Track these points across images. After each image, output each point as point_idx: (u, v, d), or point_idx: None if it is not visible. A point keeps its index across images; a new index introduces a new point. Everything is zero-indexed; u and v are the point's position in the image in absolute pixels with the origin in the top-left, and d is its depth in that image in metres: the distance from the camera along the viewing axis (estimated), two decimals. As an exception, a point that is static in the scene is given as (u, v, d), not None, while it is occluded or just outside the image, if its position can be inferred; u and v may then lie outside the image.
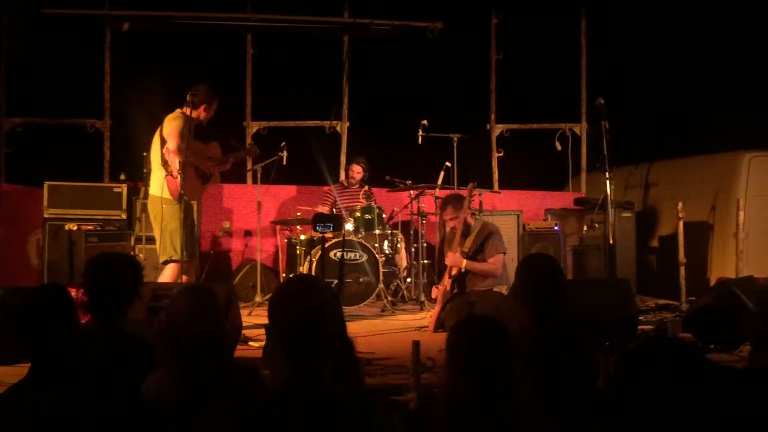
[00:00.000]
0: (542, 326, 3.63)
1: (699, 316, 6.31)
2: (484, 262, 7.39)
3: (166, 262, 7.09)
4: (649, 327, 6.71)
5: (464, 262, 7.36)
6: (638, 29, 9.99)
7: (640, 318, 6.76)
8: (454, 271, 7.41)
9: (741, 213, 8.40)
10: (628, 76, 10.10)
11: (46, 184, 8.75)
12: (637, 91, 9.96)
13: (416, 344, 4.52)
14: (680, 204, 8.30)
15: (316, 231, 8.38)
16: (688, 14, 9.41)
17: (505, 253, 7.50)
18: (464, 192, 7.68)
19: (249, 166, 9.92)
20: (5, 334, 5.56)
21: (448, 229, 7.55)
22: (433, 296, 7.62)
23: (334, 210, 9.51)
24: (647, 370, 2.34)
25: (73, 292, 7.44)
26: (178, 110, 7.07)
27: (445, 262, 7.57)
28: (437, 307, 7.35)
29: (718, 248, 9.24)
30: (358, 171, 9.62)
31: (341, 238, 8.33)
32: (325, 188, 9.89)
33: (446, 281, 7.43)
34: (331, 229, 7.89)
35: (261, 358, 4.75)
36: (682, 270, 8.15)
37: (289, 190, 10.16)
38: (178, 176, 6.76)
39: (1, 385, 4.82)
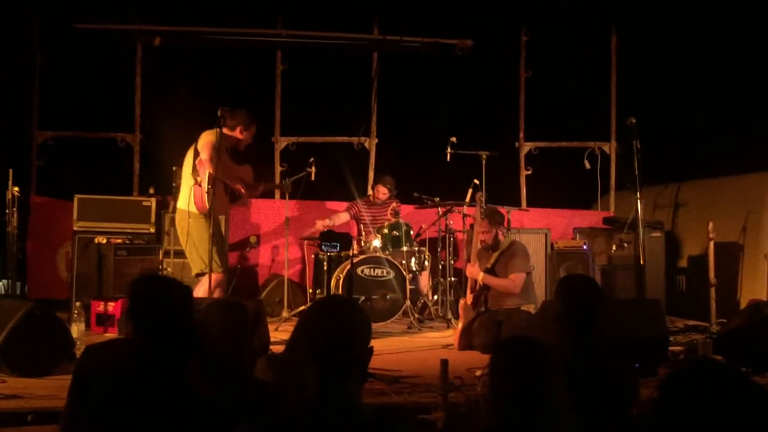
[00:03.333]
0: (580, 348, 3.60)
1: (730, 338, 6.24)
2: (503, 278, 7.34)
3: (198, 275, 7.13)
4: (679, 348, 6.63)
5: (481, 275, 7.33)
6: (668, 48, 9.93)
7: (670, 339, 6.69)
8: (476, 287, 7.39)
9: (773, 234, 8.31)
10: (657, 94, 10.04)
11: (76, 197, 8.82)
12: (667, 110, 9.89)
13: (444, 363, 4.50)
14: (711, 224, 8.22)
15: (322, 250, 8.43)
16: (719, 34, 9.35)
17: (529, 273, 7.44)
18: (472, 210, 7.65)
19: (277, 181, 9.95)
20: (37, 345, 5.63)
21: (477, 242, 7.51)
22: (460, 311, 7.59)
23: (357, 221, 9.51)
24: (696, 394, 2.28)
25: (100, 306, 7.53)
26: (215, 128, 7.13)
27: (465, 273, 7.57)
28: (460, 324, 7.32)
29: (748, 270, 9.14)
30: (383, 192, 9.59)
31: (369, 255, 8.35)
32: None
33: (468, 296, 7.41)
34: (338, 249, 7.90)
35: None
36: (713, 291, 8.06)
37: (317, 206, 10.15)
38: (205, 187, 6.83)
39: (32, 398, 4.87)
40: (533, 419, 2.55)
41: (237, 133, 7.30)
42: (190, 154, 7.22)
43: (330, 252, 7.70)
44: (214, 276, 6.87)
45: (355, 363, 2.44)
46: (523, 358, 2.66)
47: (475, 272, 7.39)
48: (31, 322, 5.65)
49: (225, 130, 7.12)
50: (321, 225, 9.18)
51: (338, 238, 7.71)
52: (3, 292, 9.12)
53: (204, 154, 6.99)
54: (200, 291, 7.00)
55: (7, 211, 8.27)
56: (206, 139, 7.07)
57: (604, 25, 10.85)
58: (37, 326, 5.69)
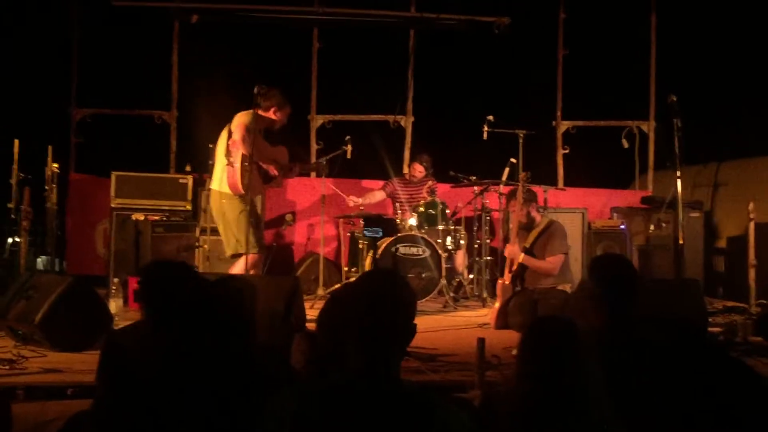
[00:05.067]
0: (616, 327, 3.57)
1: (771, 319, 6.17)
2: (542, 260, 7.31)
3: (233, 256, 7.15)
4: (718, 329, 6.56)
5: (521, 255, 7.30)
6: (709, 26, 9.79)
7: (709, 320, 6.63)
8: (514, 266, 7.36)
9: (814, 214, 8.19)
10: (697, 73, 9.91)
11: (114, 174, 8.89)
12: (707, 88, 9.75)
13: (481, 341, 4.48)
14: (751, 204, 8.10)
15: (365, 235, 8.43)
16: (760, 10, 9.19)
17: (566, 254, 7.40)
18: (508, 188, 7.60)
19: (313, 159, 9.96)
20: (76, 321, 5.68)
21: (512, 222, 7.48)
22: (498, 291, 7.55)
23: (393, 200, 9.50)
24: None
25: (137, 283, 7.60)
26: (250, 110, 7.12)
27: (504, 253, 7.54)
28: (498, 303, 7.29)
29: (789, 250, 9.02)
30: (420, 170, 9.56)
31: (404, 233, 8.35)
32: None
33: (506, 276, 7.38)
34: (381, 234, 7.85)
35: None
36: (752, 272, 7.96)
37: (353, 184, 10.14)
38: (238, 167, 6.84)
39: (71, 372, 4.92)
40: (563, 399, 2.54)
41: (271, 114, 7.25)
42: (224, 134, 7.20)
43: (374, 236, 7.65)
44: (249, 257, 6.90)
45: (399, 339, 2.44)
46: (554, 337, 2.65)
47: (515, 252, 7.35)
48: (70, 297, 5.71)
49: (259, 111, 7.10)
50: (353, 202, 9.18)
51: (381, 223, 7.67)
52: (42, 268, 9.23)
53: (237, 135, 6.94)
54: (236, 270, 7.03)
55: (46, 187, 8.36)
56: (239, 120, 7.02)
57: (643, 2, 10.71)
58: (76, 302, 5.75)
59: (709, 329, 6.33)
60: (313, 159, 9.92)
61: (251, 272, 6.84)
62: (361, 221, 8.94)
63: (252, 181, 6.87)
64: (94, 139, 10.20)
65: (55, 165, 8.36)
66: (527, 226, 7.43)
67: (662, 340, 3.36)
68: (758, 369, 5.18)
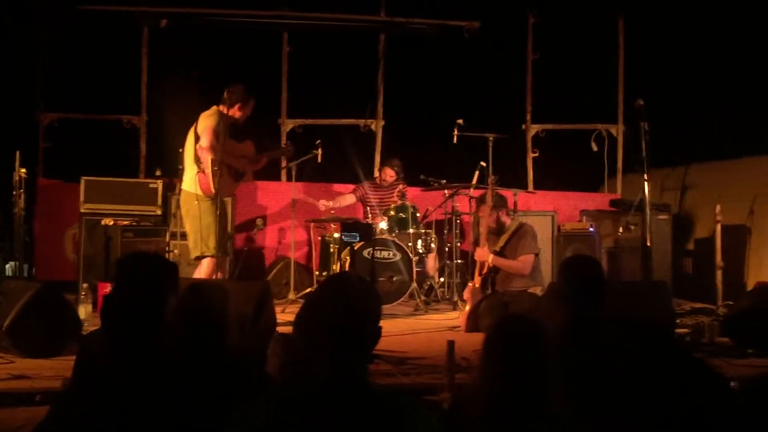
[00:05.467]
0: (581, 327, 3.61)
1: (737, 320, 6.23)
2: (512, 260, 7.34)
3: (198, 258, 7.12)
4: (686, 330, 6.63)
5: (491, 257, 7.34)
6: (676, 30, 9.88)
7: (677, 321, 6.69)
8: (484, 270, 7.40)
9: (780, 217, 8.29)
10: (665, 76, 10.00)
11: (83, 179, 8.83)
12: (675, 92, 9.84)
13: (451, 344, 4.50)
14: (718, 207, 8.19)
15: (342, 240, 8.44)
16: (727, 14, 9.29)
17: (537, 255, 7.44)
18: (479, 192, 7.64)
19: (284, 163, 9.95)
20: (45, 327, 5.64)
21: (485, 225, 7.52)
22: (465, 297, 7.58)
23: (364, 204, 9.52)
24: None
25: (107, 288, 7.54)
26: (213, 107, 7.09)
27: (474, 257, 7.58)
28: (468, 306, 7.32)
29: (755, 252, 9.13)
30: (391, 174, 9.59)
31: (375, 237, 8.36)
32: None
33: (476, 279, 7.42)
34: (357, 239, 7.86)
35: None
36: (719, 274, 8.05)
37: (324, 188, 10.14)
38: (209, 173, 6.81)
39: (40, 378, 4.89)
40: (530, 399, 2.55)
41: (235, 110, 7.18)
42: (191, 136, 7.15)
43: (352, 242, 7.66)
44: (213, 260, 6.89)
45: (365, 343, 2.45)
46: (519, 336, 2.67)
47: (484, 255, 7.40)
48: (38, 303, 5.67)
49: (223, 109, 7.05)
50: (323, 206, 9.18)
51: (358, 229, 7.68)
52: (11, 274, 9.15)
53: (204, 141, 6.91)
54: (202, 273, 7.01)
55: (14, 193, 8.29)
56: (205, 123, 6.98)
57: (611, 6, 10.81)
58: (44, 308, 5.70)
59: (677, 330, 6.40)
60: (284, 164, 9.90)
61: (218, 275, 6.82)
62: (332, 225, 8.94)
63: (223, 184, 6.85)
64: (63, 143, 10.13)
65: (23, 170, 8.30)
66: (497, 230, 7.47)
67: (626, 341, 3.40)
68: (724, 369, 5.26)
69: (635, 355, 2.44)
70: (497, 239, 7.43)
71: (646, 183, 7.05)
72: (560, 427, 2.56)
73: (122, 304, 3.06)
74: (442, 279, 9.20)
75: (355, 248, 8.35)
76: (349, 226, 8.26)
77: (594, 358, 3.23)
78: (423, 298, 8.63)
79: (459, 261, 8.98)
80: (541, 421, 2.55)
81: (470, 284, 7.52)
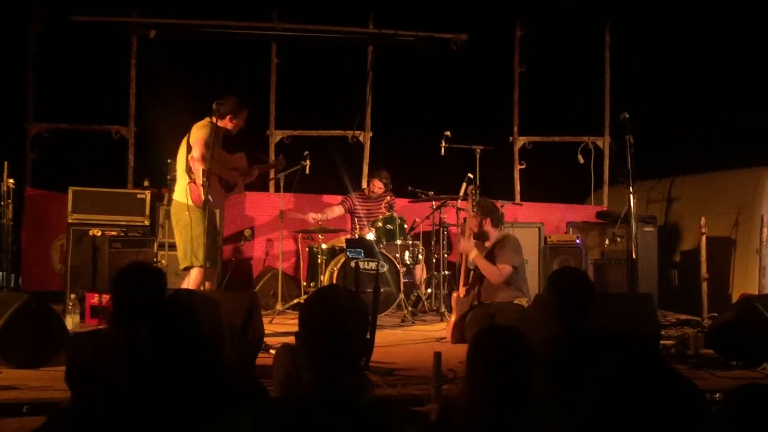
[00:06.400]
0: (570, 340, 3.63)
1: (721, 332, 6.26)
2: (491, 264, 7.32)
3: (186, 269, 7.12)
4: (671, 342, 6.67)
5: (474, 251, 7.30)
6: (662, 44, 9.97)
7: (662, 333, 6.73)
8: (470, 279, 7.39)
9: (765, 229, 8.34)
10: (651, 90, 10.08)
11: (71, 189, 8.82)
12: (661, 105, 9.93)
13: (438, 355, 4.53)
14: (703, 219, 8.27)
15: (348, 257, 8.41)
16: (712, 29, 9.38)
17: (516, 268, 7.35)
18: (466, 205, 7.66)
19: (272, 174, 9.97)
20: (32, 337, 5.64)
21: (470, 231, 7.51)
22: (453, 304, 7.59)
23: (351, 215, 9.54)
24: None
25: (94, 298, 7.54)
26: (206, 119, 7.09)
27: (458, 249, 7.57)
28: (453, 317, 7.35)
29: (740, 264, 9.19)
30: (379, 186, 9.62)
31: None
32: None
33: (461, 289, 7.43)
34: (362, 255, 7.87)
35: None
36: (704, 286, 8.11)
37: (313, 199, 10.16)
38: (201, 184, 6.82)
39: (27, 389, 4.89)
40: (514, 410, 2.57)
41: (227, 122, 7.21)
42: (183, 147, 7.18)
43: (356, 258, 7.65)
44: (201, 270, 6.90)
45: (352, 352, 2.46)
46: (501, 346, 2.68)
47: (468, 247, 7.35)
48: (26, 314, 5.67)
49: (215, 119, 7.03)
50: (312, 218, 9.19)
51: (363, 245, 7.67)
52: (-3, 284, 9.13)
53: (196, 152, 6.92)
54: (190, 283, 7.01)
55: (1, 203, 8.26)
56: (197, 134, 7.00)
57: (597, 20, 10.88)
58: (32, 318, 5.70)
59: (662, 342, 6.43)
60: (272, 176, 9.91)
61: (206, 285, 6.83)
62: (320, 236, 8.96)
63: (213, 195, 6.85)
64: (51, 154, 10.11)
65: (11, 180, 8.28)
66: (479, 236, 7.45)
67: (612, 354, 3.43)
68: (709, 381, 5.31)
69: (621, 368, 2.47)
70: (483, 248, 7.43)
71: (631, 195, 7.09)
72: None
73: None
74: (429, 290, 9.23)
75: (343, 259, 8.37)
76: (353, 242, 8.27)
77: (583, 371, 3.25)
78: (410, 309, 8.65)
79: (446, 272, 9.02)
80: (524, 430, 2.56)
81: (455, 294, 7.54)
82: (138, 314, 3.78)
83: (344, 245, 8.60)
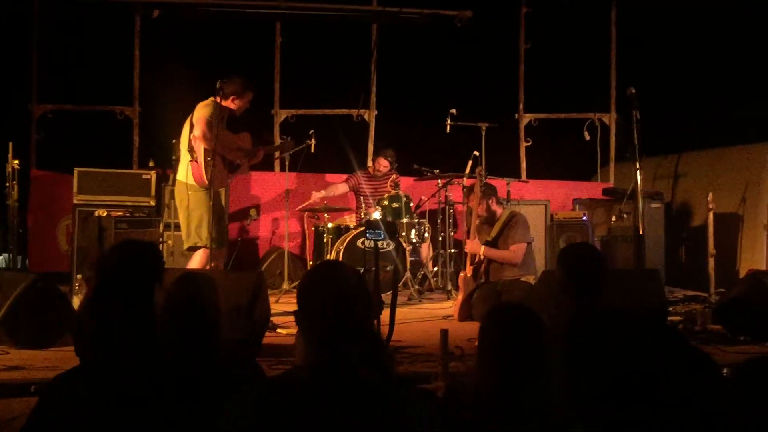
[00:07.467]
0: (583, 318, 3.60)
1: (729, 307, 6.26)
2: (504, 250, 7.35)
3: (191, 248, 7.10)
4: (678, 318, 6.66)
5: (482, 248, 7.34)
6: (669, 19, 9.91)
7: (669, 309, 6.72)
8: (476, 259, 7.41)
9: (772, 205, 8.32)
10: (658, 65, 10.02)
11: (76, 170, 8.81)
12: (668, 80, 9.87)
13: (444, 333, 4.51)
14: (710, 195, 8.22)
15: (367, 238, 8.35)
16: (720, 3, 9.31)
17: (529, 243, 7.45)
18: (471, 181, 7.63)
19: (277, 154, 9.95)
20: (39, 318, 5.65)
21: (476, 216, 7.52)
22: (460, 283, 7.59)
23: (357, 193, 9.51)
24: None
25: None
26: (210, 98, 7.05)
27: (465, 249, 7.60)
28: (460, 296, 7.35)
29: (748, 240, 9.17)
30: (384, 164, 9.55)
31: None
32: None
33: (468, 269, 7.43)
34: (382, 237, 7.83)
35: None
36: (712, 261, 8.08)
37: (317, 178, 10.14)
38: (202, 163, 6.79)
39: (34, 369, 4.90)
40: (525, 388, 2.56)
41: (230, 103, 7.16)
42: (186, 127, 7.13)
43: (377, 240, 7.64)
44: (206, 251, 6.88)
45: (352, 329, 2.44)
46: (512, 323, 2.67)
47: (475, 247, 7.40)
48: (32, 294, 5.67)
49: (219, 100, 6.99)
50: (317, 197, 9.16)
51: (383, 226, 7.62)
52: (4, 265, 9.15)
53: (198, 130, 6.87)
54: (195, 263, 6.99)
55: (7, 184, 8.28)
56: (200, 114, 6.94)
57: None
58: (38, 299, 5.71)
59: (669, 318, 6.42)
60: (277, 155, 9.89)
61: (212, 265, 6.81)
62: (325, 215, 8.92)
63: (216, 174, 6.82)
64: (56, 135, 10.11)
65: (16, 161, 8.28)
66: (489, 219, 7.48)
67: (623, 330, 3.40)
68: (716, 356, 5.28)
69: (633, 344, 2.45)
70: (489, 228, 7.44)
71: (638, 171, 7.05)
72: (555, 415, 2.57)
73: (111, 297, 3.04)
74: (435, 268, 9.22)
75: (349, 238, 8.35)
76: (372, 224, 8.23)
77: (596, 347, 3.22)
78: (417, 287, 8.64)
79: (452, 250, 9.00)
80: (535, 408, 2.55)
81: (462, 273, 7.54)
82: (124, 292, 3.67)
83: (349, 225, 8.61)
